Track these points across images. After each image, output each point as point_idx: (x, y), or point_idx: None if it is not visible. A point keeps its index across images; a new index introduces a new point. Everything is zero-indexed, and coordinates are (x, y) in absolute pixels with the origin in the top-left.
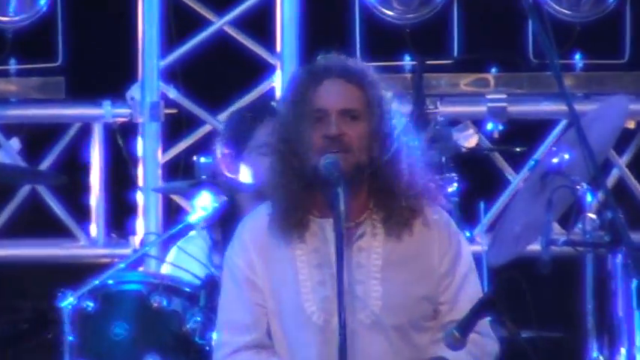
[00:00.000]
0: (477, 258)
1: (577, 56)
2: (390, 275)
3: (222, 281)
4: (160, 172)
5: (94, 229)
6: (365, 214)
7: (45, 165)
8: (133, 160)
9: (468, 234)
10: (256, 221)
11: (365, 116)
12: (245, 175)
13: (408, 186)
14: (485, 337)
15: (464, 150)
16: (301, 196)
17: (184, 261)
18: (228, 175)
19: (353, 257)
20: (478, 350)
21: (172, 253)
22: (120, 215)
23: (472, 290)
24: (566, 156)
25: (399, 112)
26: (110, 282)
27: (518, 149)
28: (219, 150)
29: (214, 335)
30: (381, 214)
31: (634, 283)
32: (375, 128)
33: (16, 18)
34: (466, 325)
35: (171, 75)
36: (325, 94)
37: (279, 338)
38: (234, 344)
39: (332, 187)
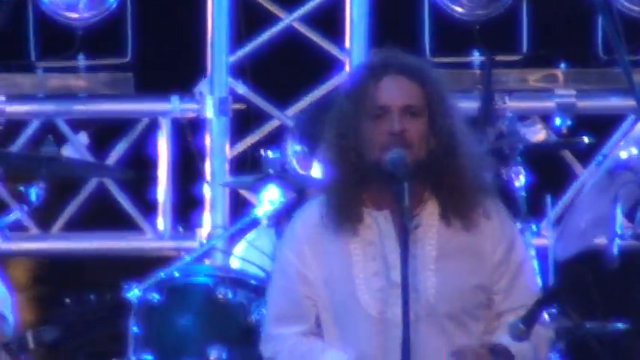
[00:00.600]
0: (544, 251)
1: None
2: (444, 266)
3: (272, 273)
4: (227, 166)
5: (161, 223)
6: (420, 206)
7: (112, 159)
8: (201, 155)
9: (534, 227)
10: (309, 214)
11: (424, 112)
12: (318, 171)
13: (465, 180)
14: (540, 325)
15: (532, 144)
16: (357, 190)
17: (253, 255)
18: (301, 171)
19: (409, 249)
20: (534, 337)
21: (240, 247)
22: (187, 209)
23: (527, 280)
24: (635, 151)
25: (457, 106)
26: (176, 275)
27: (585, 139)
28: (291, 146)
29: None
30: (438, 207)
31: None
32: (434, 124)
33: (86, 15)
34: (531, 317)
35: (239, 70)
36: (386, 91)
37: (331, 330)
38: (284, 334)
39: (397, 182)
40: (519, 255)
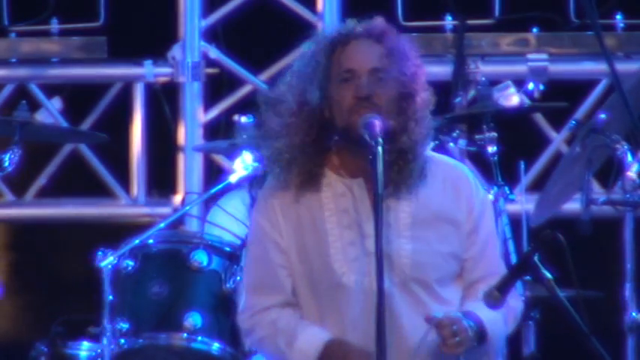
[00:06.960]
0: (518, 217)
1: (618, 16)
2: (418, 233)
3: (248, 243)
4: (201, 131)
5: (134, 189)
6: (387, 174)
7: (86, 124)
8: (174, 120)
9: (511, 196)
10: (280, 182)
11: (391, 77)
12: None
13: (423, 146)
14: (511, 296)
15: (505, 109)
16: (323, 156)
17: (224, 219)
18: None
19: (383, 217)
20: (504, 307)
21: (212, 212)
22: (161, 175)
23: (495, 251)
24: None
25: (423, 74)
26: (150, 241)
27: (561, 104)
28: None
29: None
30: (400, 174)
31: None
32: (401, 90)
33: None
34: (506, 284)
35: (212, 35)
36: (353, 54)
37: (307, 300)
38: (260, 305)
39: (370, 147)
40: (489, 224)
